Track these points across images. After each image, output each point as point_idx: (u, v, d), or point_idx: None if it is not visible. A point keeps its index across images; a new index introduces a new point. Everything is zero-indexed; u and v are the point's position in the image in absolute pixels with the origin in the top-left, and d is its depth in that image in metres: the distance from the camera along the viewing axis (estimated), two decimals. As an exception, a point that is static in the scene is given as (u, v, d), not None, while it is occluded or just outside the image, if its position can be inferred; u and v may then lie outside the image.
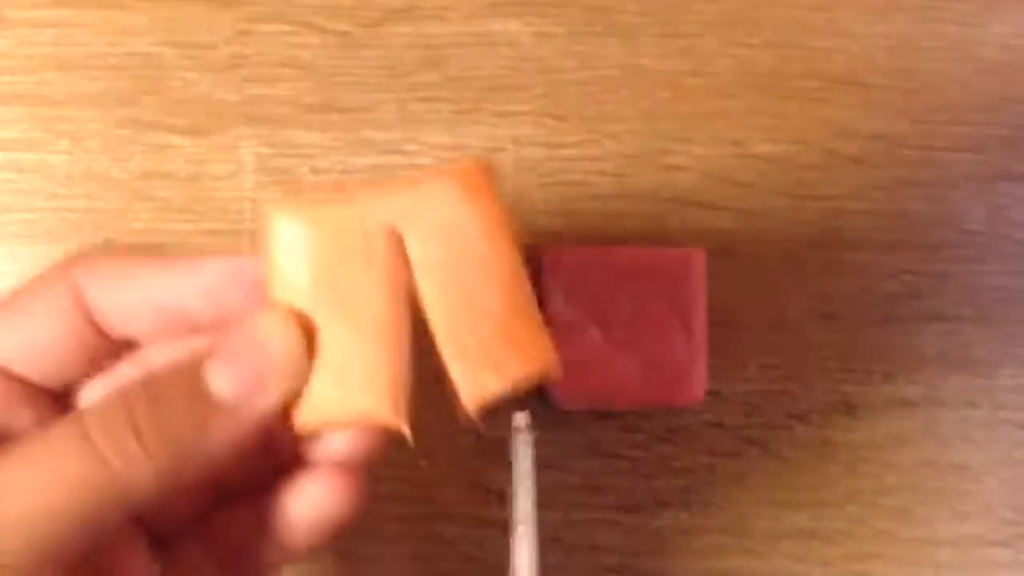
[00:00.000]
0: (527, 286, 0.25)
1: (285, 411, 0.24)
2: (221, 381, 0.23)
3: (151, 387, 0.23)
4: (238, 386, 0.23)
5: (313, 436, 0.25)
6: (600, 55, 0.40)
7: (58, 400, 0.26)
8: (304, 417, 0.24)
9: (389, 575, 0.38)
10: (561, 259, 0.38)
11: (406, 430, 0.24)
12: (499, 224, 0.24)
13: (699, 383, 0.37)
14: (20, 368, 0.25)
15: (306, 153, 0.40)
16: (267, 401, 0.23)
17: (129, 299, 0.25)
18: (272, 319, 0.23)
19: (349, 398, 0.24)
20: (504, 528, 0.30)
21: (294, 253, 0.24)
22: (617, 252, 0.38)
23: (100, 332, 0.26)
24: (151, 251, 0.26)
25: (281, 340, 0.23)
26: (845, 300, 0.40)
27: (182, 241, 0.39)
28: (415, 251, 0.24)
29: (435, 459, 0.38)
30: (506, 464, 0.27)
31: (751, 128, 0.40)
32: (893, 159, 0.40)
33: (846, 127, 0.40)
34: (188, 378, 0.23)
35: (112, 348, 0.26)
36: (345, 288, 0.24)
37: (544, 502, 0.39)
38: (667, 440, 0.39)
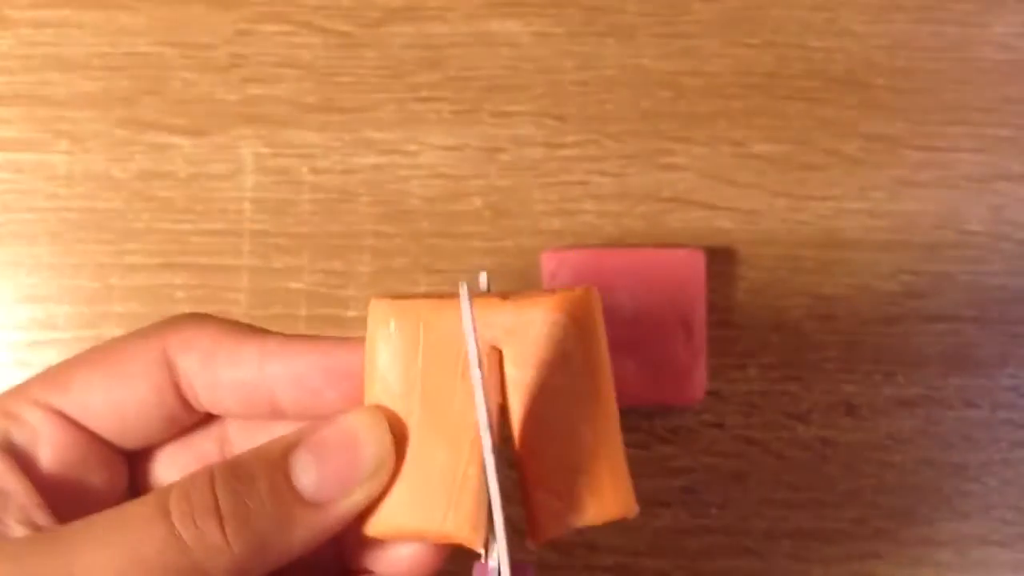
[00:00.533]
0: (618, 425, 0.24)
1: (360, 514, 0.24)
2: (307, 476, 0.23)
3: (237, 472, 0.23)
4: (324, 483, 0.23)
5: (381, 543, 0.25)
6: (600, 55, 0.40)
7: (133, 462, 0.27)
8: (377, 522, 0.24)
9: None
10: (561, 259, 0.38)
11: (481, 550, 0.23)
12: (600, 359, 0.24)
13: (699, 383, 0.37)
14: (104, 428, 0.25)
15: (306, 153, 0.40)
16: (351, 501, 0.23)
17: (218, 377, 0.25)
18: (366, 418, 0.23)
19: (428, 510, 0.23)
20: None
21: (395, 353, 0.23)
22: (617, 252, 0.38)
23: (185, 403, 0.26)
24: (244, 327, 0.26)
25: (372, 441, 0.23)
26: (845, 300, 0.40)
27: (182, 241, 0.39)
28: (513, 371, 0.23)
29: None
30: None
31: (751, 128, 0.40)
32: (893, 159, 0.40)
33: (846, 127, 0.40)
34: (274, 468, 0.23)
35: (194, 419, 0.26)
36: (440, 396, 0.23)
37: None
38: (667, 440, 0.39)
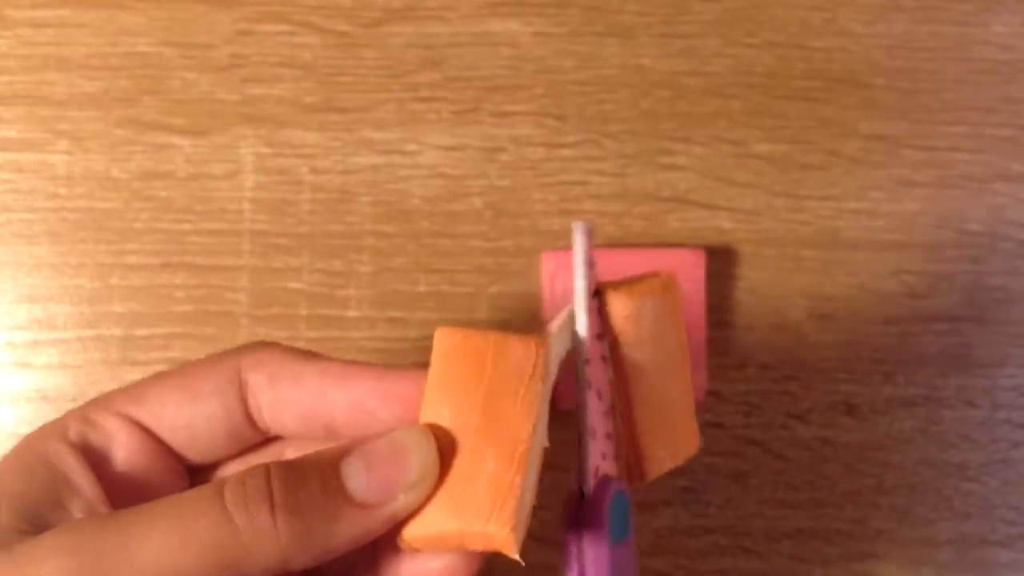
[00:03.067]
0: (691, 383, 0.29)
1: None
2: (356, 478, 0.24)
3: (291, 469, 0.24)
4: (371, 486, 0.24)
5: (417, 551, 0.26)
6: (600, 55, 0.40)
7: (194, 477, 0.28)
8: (416, 527, 0.25)
9: None
10: (561, 259, 0.38)
11: (519, 559, 0.24)
12: (682, 331, 0.28)
13: (699, 384, 0.37)
14: (174, 440, 0.27)
15: (305, 153, 0.40)
16: (395, 506, 0.25)
17: (282, 396, 0.27)
18: (415, 433, 0.25)
19: (471, 513, 0.24)
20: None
21: (458, 377, 0.25)
22: (616, 252, 0.38)
23: (251, 421, 0.27)
24: (308, 352, 0.28)
25: (419, 454, 0.25)
26: (845, 300, 0.40)
27: (182, 241, 0.39)
28: (626, 348, 0.27)
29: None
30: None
31: (751, 128, 0.40)
32: (893, 159, 0.40)
33: (846, 127, 0.40)
34: (326, 468, 0.25)
35: (256, 438, 0.28)
36: (497, 416, 0.25)
37: (543, 502, 0.39)
38: (667, 440, 0.39)
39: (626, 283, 0.27)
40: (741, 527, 0.39)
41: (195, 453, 0.28)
